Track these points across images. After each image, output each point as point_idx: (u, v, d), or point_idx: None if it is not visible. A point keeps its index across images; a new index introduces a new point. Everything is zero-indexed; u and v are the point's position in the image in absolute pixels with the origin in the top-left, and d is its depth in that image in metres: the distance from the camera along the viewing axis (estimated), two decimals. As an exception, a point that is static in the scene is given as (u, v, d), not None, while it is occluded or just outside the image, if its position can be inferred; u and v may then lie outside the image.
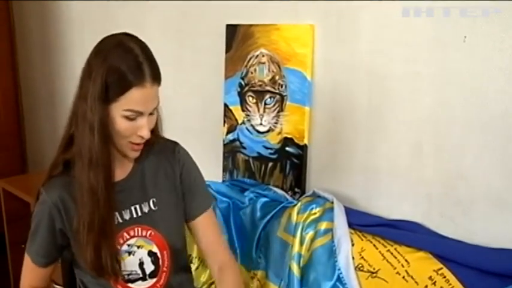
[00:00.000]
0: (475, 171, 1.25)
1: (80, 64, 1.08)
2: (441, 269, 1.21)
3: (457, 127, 1.27)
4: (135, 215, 1.17)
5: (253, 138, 1.73)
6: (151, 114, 1.08)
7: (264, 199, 1.58)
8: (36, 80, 3.03)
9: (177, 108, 2.04)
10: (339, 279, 1.33)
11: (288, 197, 1.60)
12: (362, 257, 1.33)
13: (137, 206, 1.18)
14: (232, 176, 1.82)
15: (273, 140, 1.66)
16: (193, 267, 1.53)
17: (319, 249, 1.39)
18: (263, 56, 1.65)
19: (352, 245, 1.35)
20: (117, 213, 1.15)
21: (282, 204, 1.53)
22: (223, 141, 1.84)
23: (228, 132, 1.81)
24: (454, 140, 1.27)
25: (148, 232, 1.18)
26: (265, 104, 1.66)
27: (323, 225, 1.41)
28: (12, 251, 2.51)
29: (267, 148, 1.69)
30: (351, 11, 1.43)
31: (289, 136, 1.61)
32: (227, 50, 1.77)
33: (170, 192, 1.22)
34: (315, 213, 1.44)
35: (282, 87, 1.61)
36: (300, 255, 1.42)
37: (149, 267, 1.19)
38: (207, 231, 1.26)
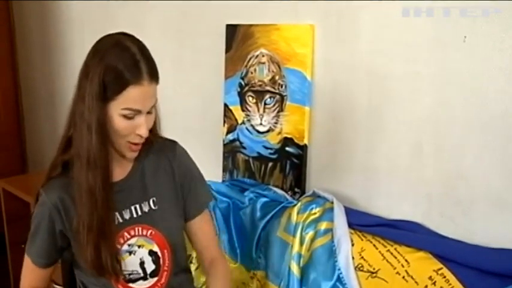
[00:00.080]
0: (475, 171, 1.25)
1: (79, 64, 1.08)
2: (441, 269, 1.21)
3: (457, 127, 1.26)
4: (135, 215, 1.17)
5: (253, 138, 1.73)
6: (149, 112, 1.08)
7: (264, 199, 1.58)
8: (36, 80, 3.03)
9: (177, 108, 2.04)
10: (339, 279, 1.33)
11: (288, 197, 1.60)
12: (362, 257, 1.33)
13: (137, 206, 1.18)
14: (232, 176, 1.82)
15: (273, 140, 1.66)
16: (193, 267, 1.53)
17: (319, 249, 1.39)
18: (263, 56, 1.65)
19: (352, 245, 1.35)
20: (117, 213, 1.15)
21: (282, 204, 1.53)
22: (223, 141, 1.84)
23: (228, 132, 1.81)
24: (454, 140, 1.27)
25: (149, 231, 1.18)
26: (265, 104, 1.66)
27: (323, 225, 1.41)
28: (12, 251, 2.51)
29: (267, 148, 1.69)
30: (351, 11, 1.43)
31: (289, 136, 1.61)
32: (227, 50, 1.77)
33: (170, 191, 1.22)
34: (315, 213, 1.44)
35: (282, 87, 1.61)
36: (299, 255, 1.42)
37: (150, 266, 1.19)
38: (203, 228, 1.28)
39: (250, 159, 1.75)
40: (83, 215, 1.08)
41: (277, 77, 1.62)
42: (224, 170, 1.86)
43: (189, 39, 1.96)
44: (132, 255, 1.16)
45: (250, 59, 1.69)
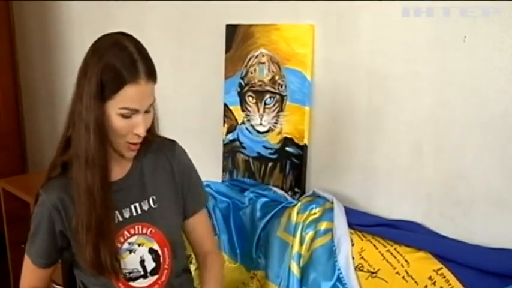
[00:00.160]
0: (475, 171, 1.25)
1: (79, 64, 1.08)
2: (441, 269, 1.21)
3: (457, 127, 1.26)
4: (135, 213, 1.17)
5: (253, 138, 1.73)
6: (147, 112, 1.08)
7: (263, 199, 1.58)
8: (36, 80, 3.03)
9: (177, 108, 2.04)
10: (339, 279, 1.33)
11: (288, 197, 1.60)
12: (362, 257, 1.33)
13: (137, 205, 1.18)
14: (232, 176, 1.82)
15: (273, 140, 1.66)
16: (193, 267, 1.53)
17: (319, 249, 1.39)
18: (263, 56, 1.65)
19: (352, 245, 1.35)
20: (117, 212, 1.15)
21: (281, 204, 1.53)
22: (223, 141, 1.84)
23: (227, 132, 1.81)
24: (454, 140, 1.27)
25: (149, 230, 1.18)
26: (265, 104, 1.66)
27: (323, 225, 1.41)
28: (12, 251, 2.51)
29: (266, 148, 1.69)
30: (351, 11, 1.43)
31: (289, 136, 1.61)
32: (227, 50, 1.77)
33: (169, 190, 1.23)
34: (315, 213, 1.44)
35: (281, 87, 1.61)
36: (299, 255, 1.42)
37: (150, 264, 1.19)
38: (200, 225, 1.30)
39: (250, 159, 1.75)
40: (82, 215, 1.08)
41: (277, 77, 1.62)
42: (224, 170, 1.86)
43: (189, 39, 1.96)
44: (132, 253, 1.17)
45: (250, 59, 1.69)
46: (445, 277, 1.19)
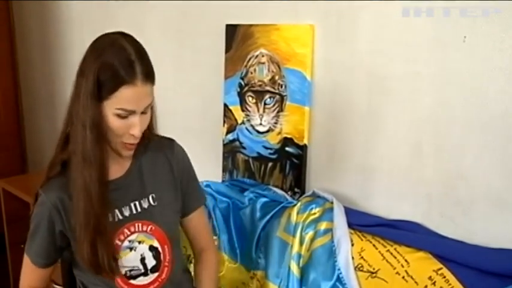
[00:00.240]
0: (475, 171, 1.25)
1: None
2: (441, 269, 1.21)
3: (457, 127, 1.26)
4: (134, 211, 1.18)
5: (253, 138, 1.73)
6: (144, 113, 1.08)
7: (263, 199, 1.58)
8: (36, 80, 3.03)
9: (177, 108, 2.04)
10: (339, 279, 1.33)
11: (288, 197, 1.60)
12: (362, 257, 1.33)
13: (136, 203, 1.18)
14: (232, 176, 1.82)
15: (273, 140, 1.66)
16: (192, 268, 1.53)
17: (319, 249, 1.39)
18: (263, 56, 1.65)
19: (352, 245, 1.35)
20: (116, 210, 1.16)
21: (281, 204, 1.53)
22: (223, 141, 1.84)
23: (227, 132, 1.81)
24: (454, 140, 1.27)
25: (149, 227, 1.19)
26: (265, 104, 1.66)
27: (323, 225, 1.41)
28: (12, 251, 2.51)
29: (266, 148, 1.69)
30: (351, 11, 1.42)
31: (289, 136, 1.61)
32: (227, 50, 1.77)
33: (169, 188, 1.23)
34: (315, 213, 1.44)
35: (281, 87, 1.61)
36: (299, 255, 1.42)
37: (151, 262, 1.19)
38: (199, 222, 1.32)
39: (250, 159, 1.75)
40: (79, 212, 1.08)
41: (277, 77, 1.62)
42: (224, 170, 1.86)
43: (189, 39, 1.96)
44: (132, 251, 1.17)
45: (250, 59, 1.69)
46: (445, 277, 1.19)
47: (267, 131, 1.68)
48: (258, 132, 1.70)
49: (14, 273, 2.54)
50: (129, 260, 1.17)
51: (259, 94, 1.67)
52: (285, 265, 1.45)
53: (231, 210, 1.61)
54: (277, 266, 1.47)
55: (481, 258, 1.19)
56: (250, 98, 1.71)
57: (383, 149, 1.42)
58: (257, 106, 1.69)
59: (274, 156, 1.67)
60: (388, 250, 1.30)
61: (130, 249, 1.17)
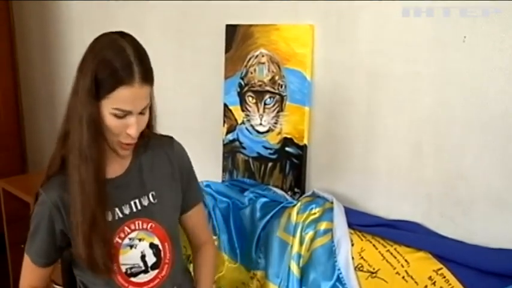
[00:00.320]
0: (475, 171, 1.25)
1: (79, 64, 1.08)
2: (441, 269, 1.21)
3: (457, 127, 1.26)
4: (134, 209, 1.18)
5: (253, 138, 1.73)
6: (141, 114, 1.08)
7: (263, 199, 1.58)
8: (36, 80, 3.03)
9: (177, 108, 2.04)
10: (339, 279, 1.33)
11: (288, 197, 1.60)
12: (362, 257, 1.33)
13: (136, 200, 1.19)
14: (232, 176, 1.82)
15: (273, 140, 1.66)
16: (192, 267, 1.53)
17: (319, 249, 1.39)
18: (263, 56, 1.65)
19: (352, 245, 1.35)
20: (116, 209, 1.16)
21: (281, 205, 1.53)
22: (223, 141, 1.84)
23: (227, 132, 1.81)
24: (454, 140, 1.27)
25: (149, 225, 1.19)
26: (265, 104, 1.66)
27: (323, 225, 1.41)
28: (12, 251, 2.51)
29: (266, 148, 1.69)
30: (351, 11, 1.42)
31: (288, 136, 1.61)
32: (227, 50, 1.77)
33: (169, 185, 1.24)
34: (315, 213, 1.44)
35: (281, 87, 1.61)
36: (299, 255, 1.42)
37: (151, 259, 1.20)
38: (198, 218, 1.33)
39: (250, 160, 1.75)
40: (76, 209, 1.08)
41: (277, 77, 1.62)
42: (224, 170, 1.86)
43: (189, 39, 1.96)
44: (133, 248, 1.17)
45: (250, 59, 1.69)
46: (444, 277, 1.19)
47: (267, 131, 1.68)
48: (258, 132, 1.70)
49: (14, 273, 2.54)
50: (129, 257, 1.17)
51: (259, 94, 1.67)
52: (285, 265, 1.45)
53: (231, 210, 1.61)
54: (277, 266, 1.47)
55: (481, 258, 1.19)
56: (250, 98, 1.71)
57: (383, 149, 1.42)
58: (257, 106, 1.69)
59: (274, 156, 1.67)
60: (388, 250, 1.30)
61: (131, 246, 1.17)
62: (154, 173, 1.22)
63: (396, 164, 1.40)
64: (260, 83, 1.67)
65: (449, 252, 1.22)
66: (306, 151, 1.58)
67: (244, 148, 1.76)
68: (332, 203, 1.45)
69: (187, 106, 2.03)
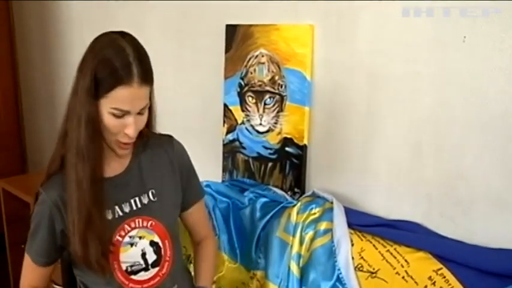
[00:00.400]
0: (475, 171, 1.25)
1: (79, 64, 1.08)
2: (441, 269, 1.21)
3: (457, 127, 1.26)
4: (134, 207, 1.18)
5: (253, 138, 1.73)
6: (140, 114, 1.08)
7: (263, 199, 1.58)
8: (36, 80, 3.03)
9: (177, 108, 2.04)
10: (339, 279, 1.33)
11: (288, 197, 1.60)
12: (362, 257, 1.33)
13: (136, 199, 1.19)
14: (232, 176, 1.82)
15: (273, 140, 1.66)
16: (192, 268, 1.53)
17: (319, 249, 1.39)
18: (263, 56, 1.65)
19: (352, 245, 1.35)
20: (116, 207, 1.16)
21: (281, 205, 1.53)
22: (223, 141, 1.84)
23: (227, 133, 1.81)
24: (454, 140, 1.27)
25: (149, 222, 1.19)
26: (265, 104, 1.66)
27: (323, 226, 1.41)
28: (12, 251, 2.51)
29: (266, 148, 1.69)
30: (350, 11, 1.42)
31: (288, 136, 1.61)
32: (227, 50, 1.77)
33: (168, 183, 1.24)
34: (315, 214, 1.44)
35: (281, 87, 1.61)
36: (299, 255, 1.42)
37: (151, 257, 1.20)
38: (199, 215, 1.34)
39: (250, 160, 1.75)
40: (72, 208, 1.09)
41: (276, 77, 1.62)
42: (224, 170, 1.86)
43: (189, 39, 1.96)
44: (133, 246, 1.18)
45: (249, 59, 1.69)
46: (444, 277, 1.19)
47: (267, 131, 1.68)
48: (258, 132, 1.70)
49: (14, 274, 2.54)
50: (130, 255, 1.17)
51: (259, 94, 1.67)
52: (284, 265, 1.45)
53: (231, 210, 1.61)
54: (277, 266, 1.47)
55: (481, 258, 1.19)
56: (250, 98, 1.71)
57: (383, 149, 1.42)
58: (257, 106, 1.69)
59: (274, 156, 1.67)
60: (388, 250, 1.30)
61: (131, 244, 1.17)
62: (154, 171, 1.22)
63: (396, 164, 1.40)
64: (260, 83, 1.67)
65: (449, 252, 1.22)
66: (305, 151, 1.58)
67: (244, 148, 1.77)
68: (332, 203, 1.45)
69: (187, 106, 2.03)
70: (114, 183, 1.16)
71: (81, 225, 1.08)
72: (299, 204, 1.48)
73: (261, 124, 1.69)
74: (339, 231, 1.37)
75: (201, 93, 1.96)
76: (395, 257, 1.28)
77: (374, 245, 1.33)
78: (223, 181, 1.83)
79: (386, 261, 1.29)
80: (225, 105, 1.80)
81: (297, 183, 1.61)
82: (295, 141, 1.60)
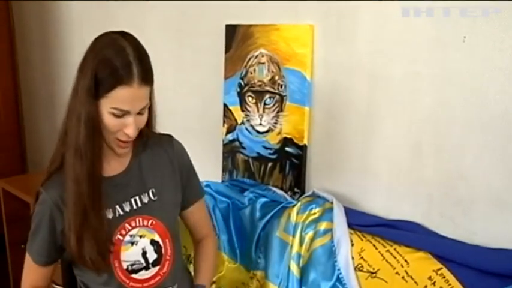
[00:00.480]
0: (475, 171, 1.25)
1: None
2: (441, 269, 1.21)
3: (457, 127, 1.26)
4: (135, 206, 1.19)
5: (253, 138, 1.73)
6: (140, 114, 1.08)
7: (263, 199, 1.58)
8: (36, 80, 3.03)
9: (177, 108, 2.04)
10: (339, 279, 1.33)
11: (288, 197, 1.60)
12: (361, 257, 1.33)
13: (137, 198, 1.19)
14: (232, 176, 1.82)
15: (273, 140, 1.66)
16: (192, 268, 1.53)
17: (319, 250, 1.39)
18: (263, 56, 1.65)
19: (352, 245, 1.35)
20: (117, 206, 1.17)
21: (281, 205, 1.53)
22: (223, 141, 1.84)
23: (227, 133, 1.81)
24: (454, 140, 1.27)
25: (150, 221, 1.20)
26: (265, 104, 1.66)
27: (322, 226, 1.41)
28: (12, 251, 2.51)
29: (266, 148, 1.69)
30: (350, 11, 1.42)
31: (288, 136, 1.61)
32: (227, 50, 1.77)
33: (169, 182, 1.24)
34: (315, 214, 1.44)
35: (281, 87, 1.61)
36: (299, 255, 1.42)
37: (152, 255, 1.20)
38: (199, 214, 1.35)
39: (250, 160, 1.75)
40: (69, 206, 1.09)
41: (276, 77, 1.62)
42: (224, 170, 1.86)
43: (189, 39, 1.96)
44: (134, 245, 1.18)
45: (249, 59, 1.69)
46: (444, 277, 1.19)
47: (267, 131, 1.68)
48: (258, 132, 1.70)
49: (14, 274, 2.54)
50: (130, 254, 1.18)
51: (259, 94, 1.67)
52: (284, 265, 1.45)
53: (230, 210, 1.61)
54: (277, 266, 1.47)
55: (481, 258, 1.19)
56: (250, 98, 1.71)
57: (383, 149, 1.42)
58: (257, 106, 1.69)
59: (274, 156, 1.67)
60: (388, 250, 1.30)
61: (132, 243, 1.18)
62: (154, 170, 1.23)
63: (396, 164, 1.40)
64: (260, 83, 1.67)
65: (449, 252, 1.22)
66: (305, 151, 1.58)
67: (244, 148, 1.76)
68: (332, 203, 1.45)
69: (187, 106, 2.03)
70: (114, 183, 1.16)
71: (77, 223, 1.08)
72: (299, 204, 1.48)
73: (260, 124, 1.69)
74: (339, 231, 1.37)
75: (201, 93, 1.96)
76: (395, 257, 1.28)
77: (374, 245, 1.33)
78: (223, 181, 1.83)
79: (386, 261, 1.29)
80: (225, 105, 1.80)
81: (297, 183, 1.61)
82: (295, 141, 1.60)
